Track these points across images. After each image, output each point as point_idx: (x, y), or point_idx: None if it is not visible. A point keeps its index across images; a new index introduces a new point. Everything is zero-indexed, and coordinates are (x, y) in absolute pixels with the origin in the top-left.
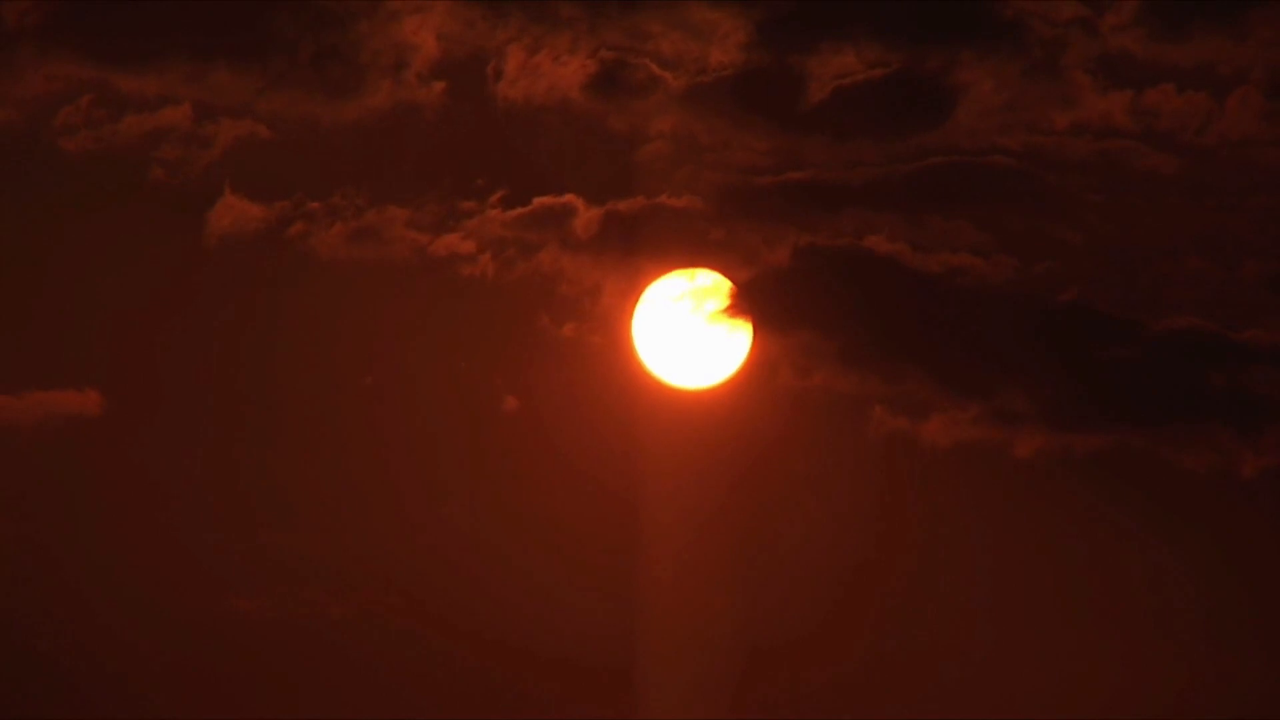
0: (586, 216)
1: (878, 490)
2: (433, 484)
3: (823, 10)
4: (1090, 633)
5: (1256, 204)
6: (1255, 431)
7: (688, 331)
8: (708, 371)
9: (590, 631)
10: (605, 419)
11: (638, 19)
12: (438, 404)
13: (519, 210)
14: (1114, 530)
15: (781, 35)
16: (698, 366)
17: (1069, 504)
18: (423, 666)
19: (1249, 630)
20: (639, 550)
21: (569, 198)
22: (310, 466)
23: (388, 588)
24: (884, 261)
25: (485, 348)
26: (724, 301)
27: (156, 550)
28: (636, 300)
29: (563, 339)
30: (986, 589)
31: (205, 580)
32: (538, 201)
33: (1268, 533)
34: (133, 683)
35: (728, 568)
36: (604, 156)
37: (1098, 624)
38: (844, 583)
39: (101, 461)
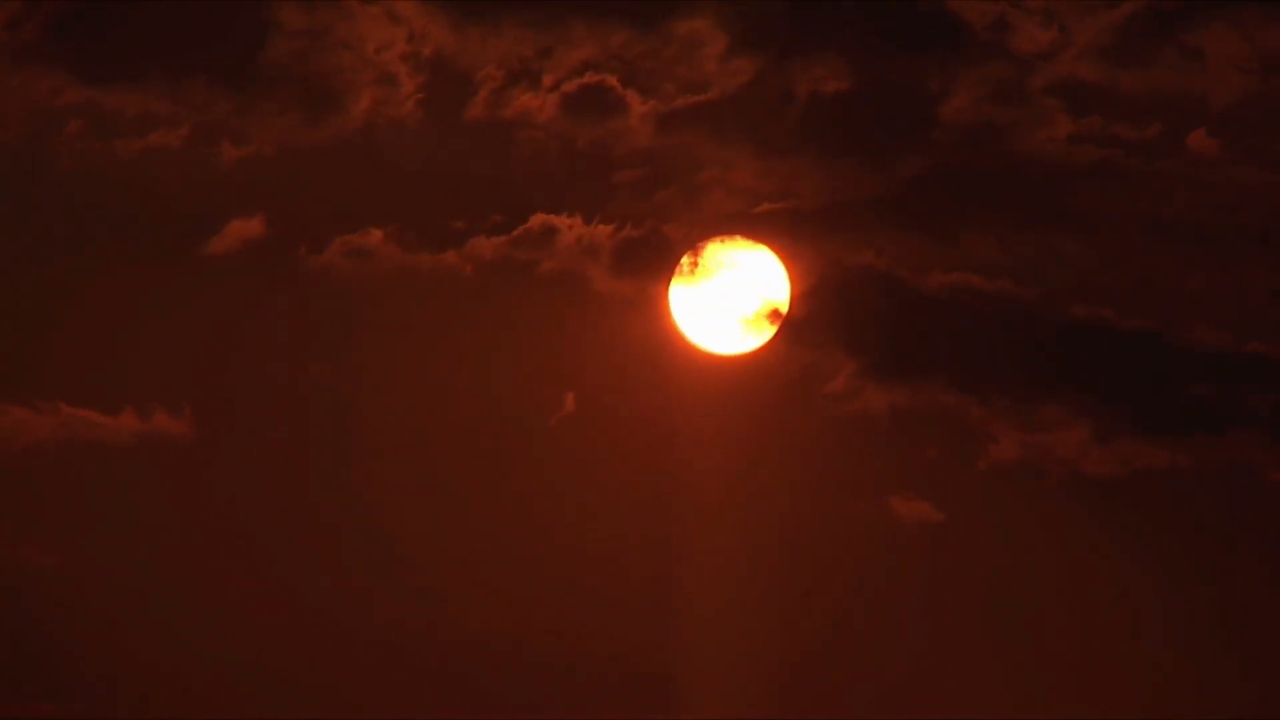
0: (576, 236)
1: (906, 507)
2: (502, 493)
3: (805, 27)
4: (1120, 645)
5: (1252, 211)
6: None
7: (724, 301)
8: (740, 340)
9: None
10: (650, 410)
11: (625, 38)
12: (503, 410)
13: (514, 232)
14: (1140, 545)
15: (765, 52)
16: (731, 334)
17: (1100, 520)
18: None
19: None
20: (677, 553)
21: (561, 218)
22: (389, 479)
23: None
24: (888, 278)
25: (535, 351)
26: (765, 292)
27: (253, 569)
28: (647, 302)
29: (594, 337)
30: (1020, 603)
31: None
32: (534, 219)
33: None
34: (227, 700)
35: (765, 574)
36: (594, 177)
37: (1123, 637)
38: (870, 588)
39: (193, 480)
